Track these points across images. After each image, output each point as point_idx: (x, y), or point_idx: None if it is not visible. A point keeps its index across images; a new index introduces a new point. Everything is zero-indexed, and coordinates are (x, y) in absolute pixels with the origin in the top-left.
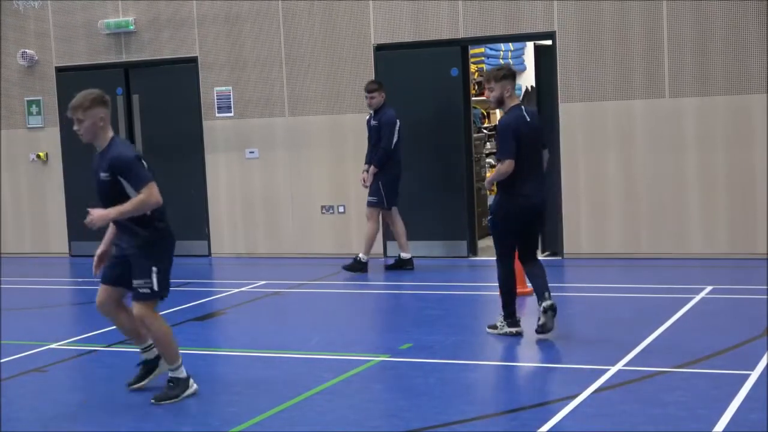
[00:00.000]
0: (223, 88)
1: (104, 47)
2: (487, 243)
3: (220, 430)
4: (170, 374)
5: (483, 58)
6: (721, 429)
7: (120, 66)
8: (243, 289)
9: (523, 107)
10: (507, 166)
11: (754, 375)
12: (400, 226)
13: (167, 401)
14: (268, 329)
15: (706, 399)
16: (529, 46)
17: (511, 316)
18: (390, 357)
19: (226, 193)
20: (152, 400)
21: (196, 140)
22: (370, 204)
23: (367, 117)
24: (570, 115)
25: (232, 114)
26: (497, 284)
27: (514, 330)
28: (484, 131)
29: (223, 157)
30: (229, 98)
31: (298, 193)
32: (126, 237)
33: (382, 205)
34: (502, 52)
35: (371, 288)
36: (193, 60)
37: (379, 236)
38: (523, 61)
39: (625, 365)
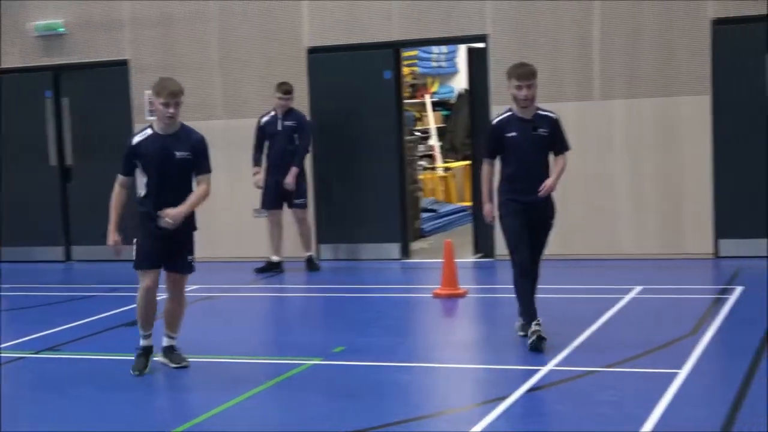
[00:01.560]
0: None
1: (34, 50)
2: (420, 245)
3: None
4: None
5: (416, 61)
6: (652, 427)
7: (50, 69)
8: None
9: None
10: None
11: (683, 373)
12: (307, 227)
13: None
14: (200, 334)
15: (637, 397)
16: (462, 49)
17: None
18: (323, 360)
19: None
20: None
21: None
22: (302, 206)
23: (268, 119)
24: None
25: None
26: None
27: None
28: (417, 133)
29: None
30: None
31: (234, 196)
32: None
33: (306, 205)
34: (435, 55)
35: (304, 291)
36: (125, 63)
37: (304, 237)
38: (456, 63)
39: (556, 365)
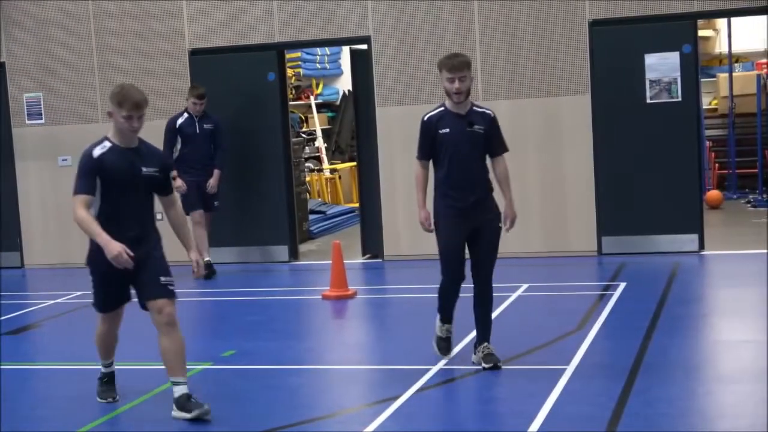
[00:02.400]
0: (33, 94)
1: None
2: (308, 247)
3: None
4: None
5: (299, 63)
6: (540, 423)
7: None
8: (58, 300)
9: None
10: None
11: (570, 369)
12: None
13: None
14: (85, 341)
15: (525, 394)
16: (345, 50)
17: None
18: (213, 365)
19: (39, 202)
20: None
21: (6, 148)
22: (216, 209)
23: (184, 121)
24: (387, 118)
25: (42, 121)
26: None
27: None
28: (303, 135)
29: (35, 165)
30: (40, 105)
31: None
32: (150, 238)
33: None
34: (318, 57)
35: (191, 296)
36: (1, 65)
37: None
38: (340, 65)
39: (445, 364)
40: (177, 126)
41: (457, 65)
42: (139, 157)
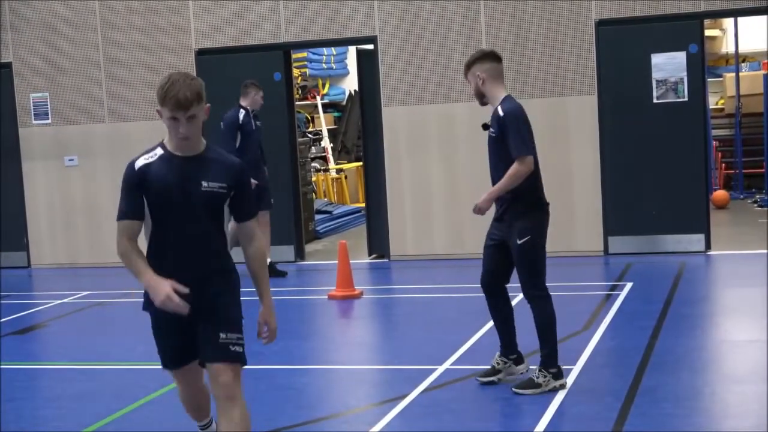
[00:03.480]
0: (40, 94)
1: None
2: (314, 247)
3: None
4: None
5: (306, 63)
6: (547, 422)
7: None
8: (64, 300)
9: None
10: (528, 164)
11: (576, 369)
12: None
13: None
14: (91, 341)
15: (532, 393)
16: (352, 50)
17: (557, 364)
18: None
19: (45, 202)
20: None
21: (12, 148)
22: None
23: (244, 118)
24: (393, 118)
25: (49, 121)
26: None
27: (559, 383)
28: (309, 135)
29: (41, 166)
30: (46, 105)
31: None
32: (217, 278)
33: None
34: (324, 57)
35: None
36: (8, 66)
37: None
38: (346, 65)
39: (452, 364)
40: (240, 122)
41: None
42: (201, 169)
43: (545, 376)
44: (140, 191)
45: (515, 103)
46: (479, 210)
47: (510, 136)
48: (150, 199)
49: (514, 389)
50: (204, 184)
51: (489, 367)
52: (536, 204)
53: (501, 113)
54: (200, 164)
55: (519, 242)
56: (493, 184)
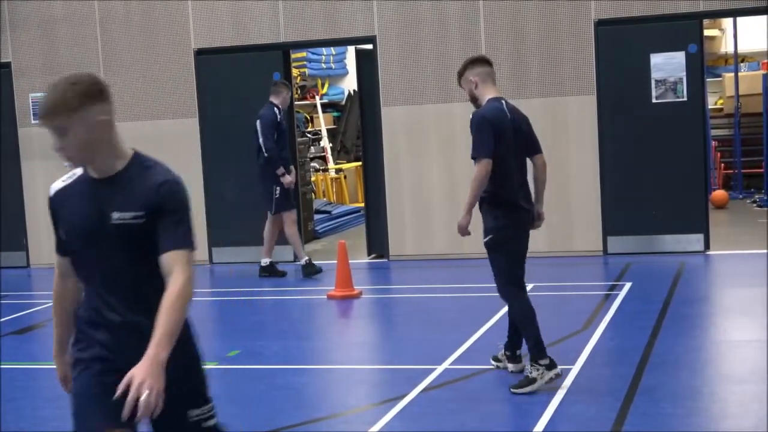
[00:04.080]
0: (39, 94)
1: None
2: (314, 247)
3: None
4: None
5: (305, 63)
6: (545, 422)
7: None
8: None
9: (503, 100)
10: (484, 166)
11: (575, 369)
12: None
13: None
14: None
15: (531, 394)
16: (351, 50)
17: (546, 356)
18: (218, 365)
19: (44, 202)
20: None
21: (12, 148)
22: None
23: (280, 115)
24: (392, 118)
25: None
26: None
27: (554, 373)
28: (308, 135)
29: (40, 165)
30: None
31: None
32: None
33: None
34: (323, 56)
35: (196, 295)
36: (7, 66)
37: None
38: (346, 65)
39: (451, 364)
40: (278, 120)
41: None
42: (114, 195)
43: (538, 369)
44: (55, 223)
45: (489, 106)
46: (461, 228)
47: (473, 139)
48: (59, 234)
49: (511, 389)
50: (115, 215)
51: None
52: (502, 204)
53: (472, 115)
54: (114, 188)
55: (484, 240)
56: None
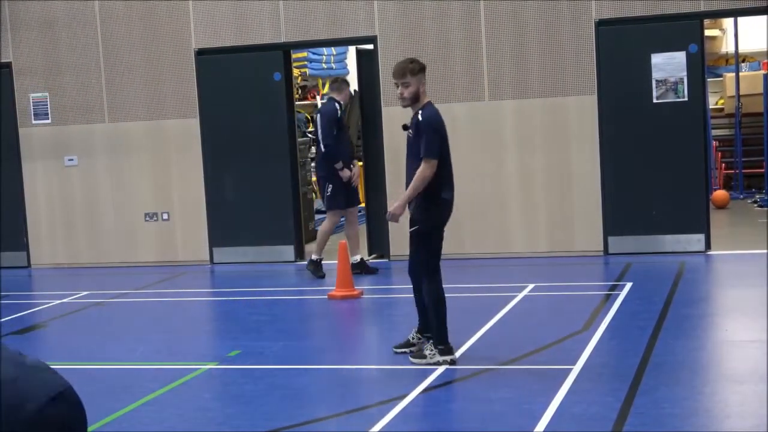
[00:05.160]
0: (40, 94)
1: None
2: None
3: None
4: None
5: (305, 63)
6: (546, 423)
7: None
8: (64, 300)
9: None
10: (432, 167)
11: (576, 369)
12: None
13: None
14: (91, 341)
15: (531, 394)
16: (352, 50)
17: (445, 342)
18: (218, 365)
19: (45, 202)
20: None
21: (12, 148)
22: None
23: (342, 111)
24: (392, 118)
25: (49, 121)
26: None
27: (449, 358)
28: (309, 135)
29: (41, 165)
30: (46, 105)
31: (121, 200)
32: None
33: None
34: (324, 57)
35: (197, 295)
36: (7, 65)
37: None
38: (346, 65)
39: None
40: (338, 116)
41: (397, 71)
42: None
43: (431, 350)
44: None
45: (434, 109)
46: (395, 217)
47: (423, 138)
48: None
49: (410, 357)
50: None
51: (407, 340)
52: (437, 200)
53: (420, 117)
54: None
55: (410, 230)
56: (406, 179)
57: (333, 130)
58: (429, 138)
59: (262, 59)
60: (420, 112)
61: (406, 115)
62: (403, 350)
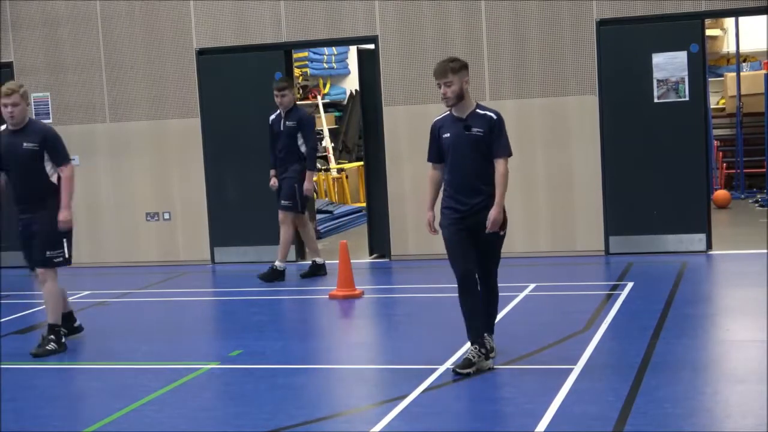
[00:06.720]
0: (41, 93)
1: None
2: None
3: None
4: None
5: (306, 62)
6: (547, 422)
7: None
8: None
9: None
10: (507, 164)
11: (577, 369)
12: (311, 231)
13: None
14: (92, 340)
15: (533, 394)
16: (353, 50)
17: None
18: (219, 364)
19: None
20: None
21: None
22: (286, 208)
23: (274, 117)
24: (393, 118)
25: (50, 120)
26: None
27: (492, 357)
28: None
29: None
30: (47, 104)
31: (122, 200)
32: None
33: (297, 209)
34: (325, 56)
35: (198, 295)
36: (9, 65)
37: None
38: (347, 65)
39: (452, 364)
40: (269, 123)
41: (438, 71)
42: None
43: (478, 355)
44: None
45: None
46: (497, 223)
47: (497, 137)
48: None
49: (456, 369)
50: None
51: (467, 359)
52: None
53: (493, 115)
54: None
55: (501, 233)
56: (465, 180)
57: (270, 137)
58: (506, 136)
59: (263, 59)
60: (487, 110)
61: (406, 114)
62: (467, 371)
